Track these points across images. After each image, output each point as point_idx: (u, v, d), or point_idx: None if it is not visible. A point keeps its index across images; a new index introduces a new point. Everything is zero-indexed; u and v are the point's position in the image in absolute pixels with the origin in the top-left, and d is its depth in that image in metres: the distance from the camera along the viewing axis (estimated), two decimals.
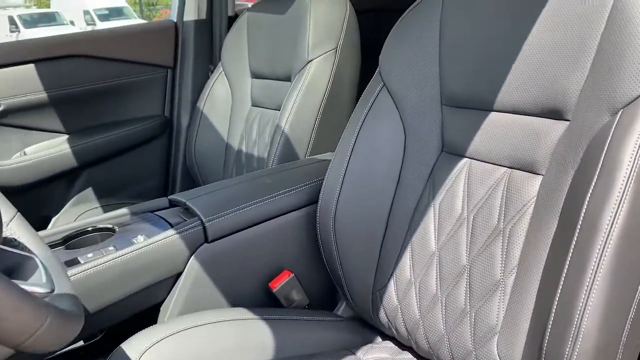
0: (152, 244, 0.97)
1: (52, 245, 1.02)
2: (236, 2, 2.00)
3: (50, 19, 17.77)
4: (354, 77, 1.49)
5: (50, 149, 1.69)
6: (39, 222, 1.68)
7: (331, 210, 1.06)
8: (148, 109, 1.87)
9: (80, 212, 1.67)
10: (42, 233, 1.04)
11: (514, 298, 0.80)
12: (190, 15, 1.85)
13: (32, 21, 17.26)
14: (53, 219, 1.68)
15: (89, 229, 1.06)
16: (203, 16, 1.87)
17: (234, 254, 1.05)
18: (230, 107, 1.72)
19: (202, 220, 1.03)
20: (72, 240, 1.05)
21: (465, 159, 0.93)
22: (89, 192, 1.76)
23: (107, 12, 18.13)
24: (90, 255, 0.95)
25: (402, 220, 1.00)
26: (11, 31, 15.99)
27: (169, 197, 1.16)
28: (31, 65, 1.62)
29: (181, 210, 1.12)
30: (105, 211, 1.66)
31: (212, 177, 1.73)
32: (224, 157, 1.71)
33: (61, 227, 1.06)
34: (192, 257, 1.01)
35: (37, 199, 1.69)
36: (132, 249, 0.96)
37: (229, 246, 1.04)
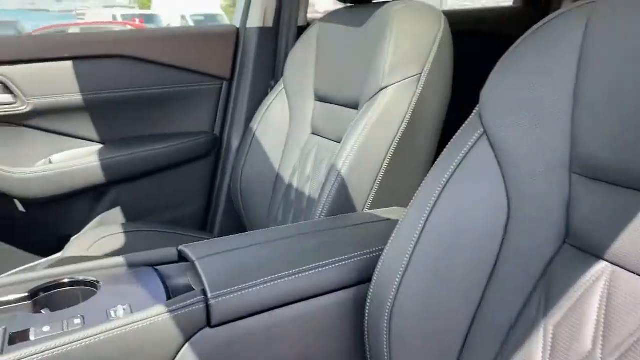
0: (133, 323, 0.70)
1: (16, 300, 0.77)
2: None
3: (149, 20, 18.55)
4: (440, 113, 1.16)
5: (79, 158, 1.48)
6: (56, 241, 1.47)
7: (388, 299, 0.75)
8: (196, 124, 1.63)
9: (102, 235, 1.44)
10: (5, 280, 0.79)
11: None
12: (254, 21, 1.60)
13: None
14: (72, 239, 1.46)
15: (66, 280, 0.81)
16: (269, 24, 1.61)
17: (245, 346, 0.76)
18: (286, 131, 1.45)
19: (206, 295, 0.74)
20: (42, 295, 0.80)
21: (604, 263, 0.60)
22: (116, 212, 1.53)
23: (202, 17, 18.68)
24: (46, 329, 0.69)
25: (492, 338, 0.67)
26: None
27: (179, 247, 0.89)
28: (68, 63, 1.42)
29: (190, 268, 0.84)
30: (129, 237, 1.43)
31: (255, 213, 1.45)
32: (272, 190, 1.43)
33: (32, 274, 0.81)
34: (187, 345, 0.73)
35: (57, 214, 1.49)
36: (105, 329, 0.68)
37: (238, 335, 0.75)
